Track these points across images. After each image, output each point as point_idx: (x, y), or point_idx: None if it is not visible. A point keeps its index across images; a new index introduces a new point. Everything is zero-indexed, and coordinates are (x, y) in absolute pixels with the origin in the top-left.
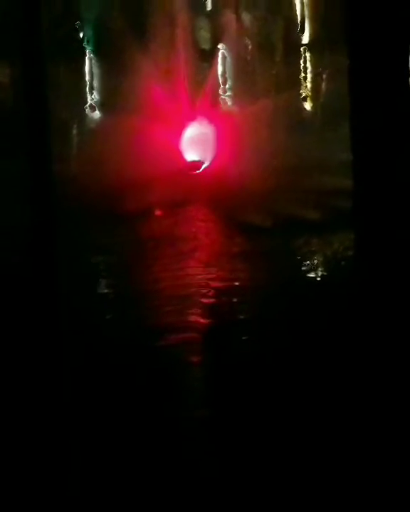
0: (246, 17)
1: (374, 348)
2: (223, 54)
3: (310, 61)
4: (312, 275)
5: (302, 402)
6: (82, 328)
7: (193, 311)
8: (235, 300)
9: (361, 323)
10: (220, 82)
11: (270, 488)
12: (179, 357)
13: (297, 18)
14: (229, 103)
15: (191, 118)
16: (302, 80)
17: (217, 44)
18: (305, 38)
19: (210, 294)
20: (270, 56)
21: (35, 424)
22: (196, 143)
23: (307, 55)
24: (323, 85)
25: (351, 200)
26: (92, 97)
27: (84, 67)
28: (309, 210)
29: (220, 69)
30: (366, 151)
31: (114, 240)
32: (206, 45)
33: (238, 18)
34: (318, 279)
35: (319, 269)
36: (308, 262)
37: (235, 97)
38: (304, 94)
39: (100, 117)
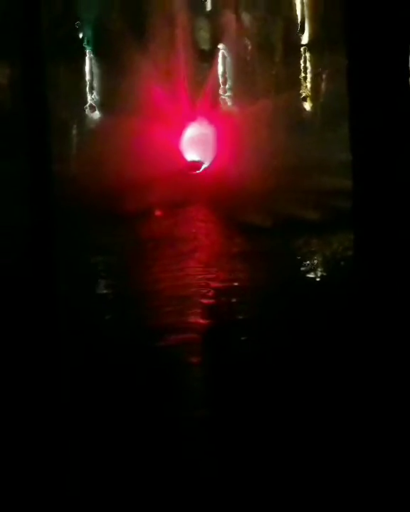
0: (246, 17)
1: (373, 348)
2: (222, 54)
3: (310, 61)
4: (311, 275)
5: (302, 402)
6: (82, 329)
7: (192, 311)
8: (234, 300)
9: (361, 323)
10: (220, 82)
11: (270, 488)
12: (179, 357)
13: (296, 19)
14: (229, 103)
15: (191, 118)
16: (302, 80)
17: (217, 44)
18: (305, 38)
19: (210, 294)
20: (270, 56)
21: (33, 424)
22: (196, 143)
23: (307, 55)
24: (323, 85)
25: (351, 200)
26: (92, 97)
27: (84, 68)
28: (308, 211)
29: (220, 69)
30: (366, 152)
31: (113, 241)
32: (205, 46)
33: (238, 19)
34: (318, 279)
35: (319, 269)
36: (308, 262)
37: (235, 98)
38: (304, 95)
39: (99, 117)
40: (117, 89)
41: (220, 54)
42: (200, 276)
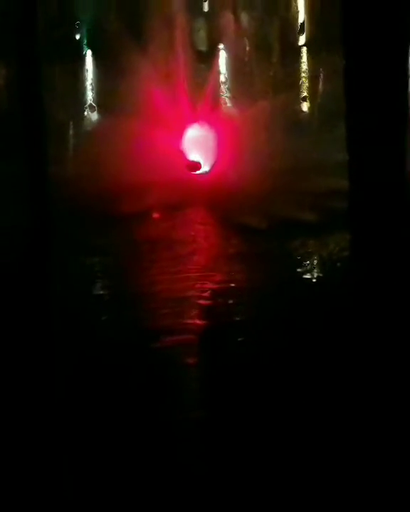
0: (244, 18)
1: (370, 349)
2: (221, 55)
3: (308, 62)
4: (308, 276)
5: (299, 403)
6: (78, 329)
7: (189, 312)
8: (231, 301)
9: (358, 323)
10: (219, 83)
11: (266, 490)
12: (175, 358)
13: (295, 19)
14: (227, 104)
15: (189, 120)
16: (300, 81)
17: (215, 45)
18: (303, 39)
19: (206, 295)
20: (268, 57)
21: (29, 425)
22: (194, 145)
23: (305, 56)
24: (320, 86)
25: (347, 201)
26: (90, 98)
27: (81, 69)
28: (305, 212)
29: (219, 70)
30: (362, 152)
31: (110, 242)
32: (203, 47)
33: (236, 20)
34: (314, 280)
35: (316, 270)
36: (304, 263)
37: (233, 99)
38: (302, 95)
39: (97, 119)
40: (115, 90)
41: (219, 55)
42: (197, 278)
